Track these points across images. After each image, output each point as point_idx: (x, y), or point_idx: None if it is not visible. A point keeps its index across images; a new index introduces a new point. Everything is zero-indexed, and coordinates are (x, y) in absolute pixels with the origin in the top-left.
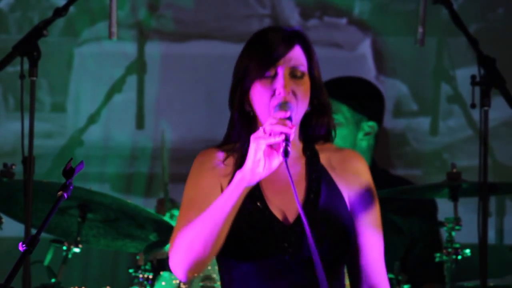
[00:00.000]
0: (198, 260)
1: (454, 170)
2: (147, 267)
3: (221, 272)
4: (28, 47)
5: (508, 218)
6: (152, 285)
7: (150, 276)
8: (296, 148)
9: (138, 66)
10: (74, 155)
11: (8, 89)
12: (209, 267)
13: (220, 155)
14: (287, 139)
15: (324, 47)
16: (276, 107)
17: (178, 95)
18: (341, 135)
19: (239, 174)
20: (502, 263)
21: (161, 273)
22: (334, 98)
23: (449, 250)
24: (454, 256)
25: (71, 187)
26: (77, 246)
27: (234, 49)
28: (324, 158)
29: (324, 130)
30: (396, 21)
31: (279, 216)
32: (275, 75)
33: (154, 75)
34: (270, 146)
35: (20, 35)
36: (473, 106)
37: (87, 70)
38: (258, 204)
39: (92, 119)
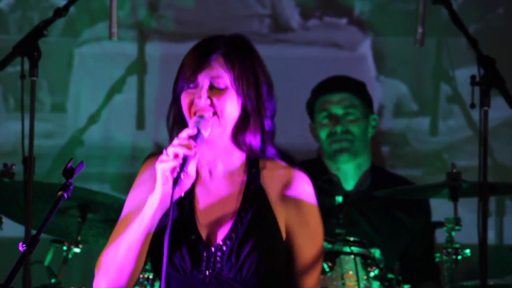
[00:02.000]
0: (117, 282)
1: (454, 170)
2: (147, 267)
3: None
4: (28, 47)
5: (508, 218)
6: (152, 285)
7: (150, 276)
8: (234, 163)
9: (138, 66)
10: (74, 155)
11: (8, 89)
12: None
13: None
14: (183, 164)
15: (324, 47)
16: (191, 121)
17: None
18: (360, 129)
19: (150, 197)
20: (502, 263)
21: None
22: (348, 91)
23: (449, 250)
24: (454, 256)
25: (71, 187)
26: (77, 246)
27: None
28: (266, 177)
29: (256, 145)
30: (396, 21)
31: (204, 236)
32: (195, 84)
33: (154, 75)
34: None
35: (20, 35)
36: (472, 106)
37: (87, 70)
38: (184, 221)
39: (92, 119)
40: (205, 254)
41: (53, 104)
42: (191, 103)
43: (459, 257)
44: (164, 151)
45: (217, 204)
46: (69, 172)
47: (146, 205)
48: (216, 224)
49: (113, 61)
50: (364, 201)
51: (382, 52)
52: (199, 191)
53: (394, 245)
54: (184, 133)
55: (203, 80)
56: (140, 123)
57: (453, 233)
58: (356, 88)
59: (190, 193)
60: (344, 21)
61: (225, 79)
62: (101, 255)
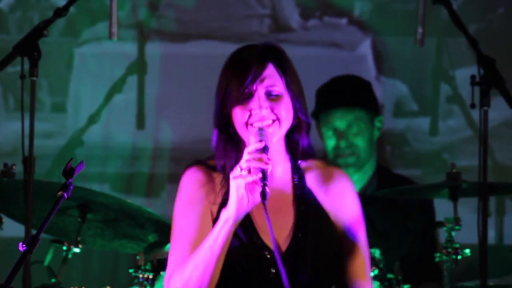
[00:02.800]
0: None
1: (454, 170)
2: (147, 267)
3: None
4: (29, 47)
5: (508, 218)
6: (152, 285)
7: (150, 276)
8: (282, 169)
9: (138, 66)
10: (74, 155)
11: (8, 89)
12: None
13: (210, 176)
14: (264, 177)
15: (324, 47)
16: (253, 134)
17: (178, 95)
18: (365, 140)
19: (224, 214)
20: (502, 263)
21: (161, 273)
22: (351, 105)
23: (449, 250)
24: (454, 256)
25: (71, 187)
26: (77, 246)
27: (234, 49)
28: (310, 179)
29: (305, 145)
30: (396, 21)
31: (267, 243)
32: (251, 96)
33: (154, 75)
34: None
35: (20, 35)
36: (472, 106)
37: (87, 70)
38: (251, 236)
39: (92, 119)
40: (271, 261)
41: (53, 104)
42: (249, 115)
43: (459, 257)
44: (238, 166)
45: (273, 210)
46: (69, 172)
47: (220, 222)
48: (277, 230)
49: (113, 61)
50: (366, 203)
51: (382, 52)
52: None
53: (395, 247)
54: (252, 147)
55: (259, 90)
56: (140, 123)
57: (453, 233)
58: (359, 98)
59: None
60: (344, 21)
61: (279, 86)
62: (172, 277)
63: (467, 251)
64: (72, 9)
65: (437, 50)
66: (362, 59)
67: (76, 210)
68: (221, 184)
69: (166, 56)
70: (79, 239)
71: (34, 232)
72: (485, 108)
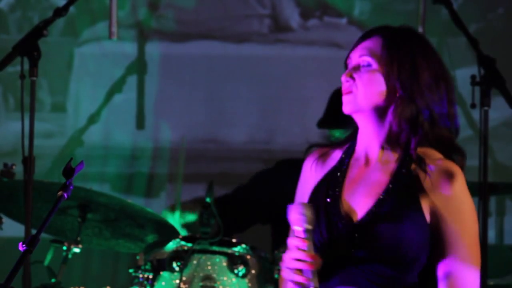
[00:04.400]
0: None
1: None
2: (147, 267)
3: None
4: (28, 47)
5: (508, 218)
6: (152, 285)
7: (150, 276)
8: (392, 152)
9: (138, 66)
10: (74, 155)
11: (8, 89)
12: (209, 267)
13: (323, 156)
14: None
15: (324, 47)
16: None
17: (178, 95)
18: None
19: None
20: (502, 263)
21: (161, 273)
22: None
23: None
24: None
25: (71, 187)
26: (77, 246)
27: (234, 49)
28: (420, 167)
29: (395, 129)
30: (396, 21)
31: (345, 215)
32: (347, 67)
33: (154, 75)
34: None
35: (20, 35)
36: (473, 106)
37: (87, 70)
38: (330, 201)
39: (92, 119)
40: (344, 233)
41: (53, 104)
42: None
43: None
44: (284, 261)
45: (364, 187)
46: (69, 172)
47: None
48: (358, 206)
49: (113, 61)
50: None
51: None
52: (352, 174)
53: None
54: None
55: (352, 60)
56: (140, 123)
57: None
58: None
59: (344, 173)
60: (344, 21)
61: (371, 57)
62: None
63: None
64: (72, 9)
65: (438, 50)
66: None
67: (76, 210)
68: (335, 159)
69: (166, 56)
70: (79, 239)
71: (34, 232)
72: (485, 108)
